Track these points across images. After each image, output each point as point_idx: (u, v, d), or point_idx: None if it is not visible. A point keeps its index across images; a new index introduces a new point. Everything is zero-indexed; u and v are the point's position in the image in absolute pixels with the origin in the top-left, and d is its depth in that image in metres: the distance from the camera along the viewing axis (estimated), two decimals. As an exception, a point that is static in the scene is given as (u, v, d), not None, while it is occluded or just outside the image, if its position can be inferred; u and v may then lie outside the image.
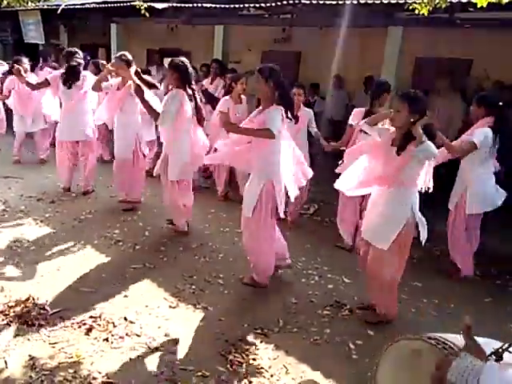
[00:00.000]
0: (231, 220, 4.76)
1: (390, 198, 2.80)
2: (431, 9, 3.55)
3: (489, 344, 1.32)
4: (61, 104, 5.26)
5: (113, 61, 4.56)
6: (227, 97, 5.03)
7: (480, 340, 1.33)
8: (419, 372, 1.39)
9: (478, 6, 3.03)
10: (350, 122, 4.07)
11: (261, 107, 3.19)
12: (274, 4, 5.80)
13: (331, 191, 3.77)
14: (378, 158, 2.88)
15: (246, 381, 2.38)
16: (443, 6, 3.47)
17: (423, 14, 3.59)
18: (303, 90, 4.53)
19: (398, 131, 2.79)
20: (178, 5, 6.78)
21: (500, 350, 1.21)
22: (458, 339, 1.34)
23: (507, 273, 3.94)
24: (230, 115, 4.59)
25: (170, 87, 4.16)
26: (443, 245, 4.46)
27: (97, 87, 4.56)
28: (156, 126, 5.00)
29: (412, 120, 2.67)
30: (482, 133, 3.44)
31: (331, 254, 4.10)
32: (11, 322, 2.69)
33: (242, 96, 5.10)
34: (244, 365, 2.49)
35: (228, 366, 2.47)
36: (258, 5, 6.16)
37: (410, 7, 3.77)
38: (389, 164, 2.76)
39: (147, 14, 5.56)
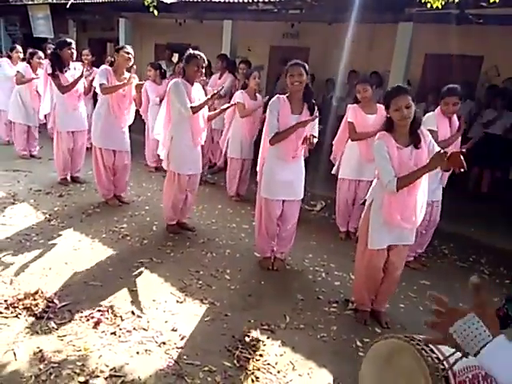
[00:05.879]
0: (238, 216, 4.76)
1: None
2: (444, 3, 3.50)
3: None
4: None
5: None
6: (242, 90, 5.00)
7: None
8: (398, 371, 1.37)
9: (491, 0, 2.98)
10: (350, 119, 4.11)
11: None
12: (282, -1, 5.78)
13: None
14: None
15: (252, 377, 2.37)
16: (456, 0, 3.42)
17: (437, 8, 3.53)
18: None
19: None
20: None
21: None
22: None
23: (516, 272, 3.91)
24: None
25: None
26: (450, 243, 4.46)
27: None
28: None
29: None
30: None
31: (338, 251, 4.09)
32: (20, 314, 2.71)
33: (257, 94, 5.07)
34: (251, 360, 2.49)
35: (235, 361, 2.47)
36: (266, 0, 6.13)
37: (423, 1, 3.72)
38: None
39: (155, 12, 5.52)
